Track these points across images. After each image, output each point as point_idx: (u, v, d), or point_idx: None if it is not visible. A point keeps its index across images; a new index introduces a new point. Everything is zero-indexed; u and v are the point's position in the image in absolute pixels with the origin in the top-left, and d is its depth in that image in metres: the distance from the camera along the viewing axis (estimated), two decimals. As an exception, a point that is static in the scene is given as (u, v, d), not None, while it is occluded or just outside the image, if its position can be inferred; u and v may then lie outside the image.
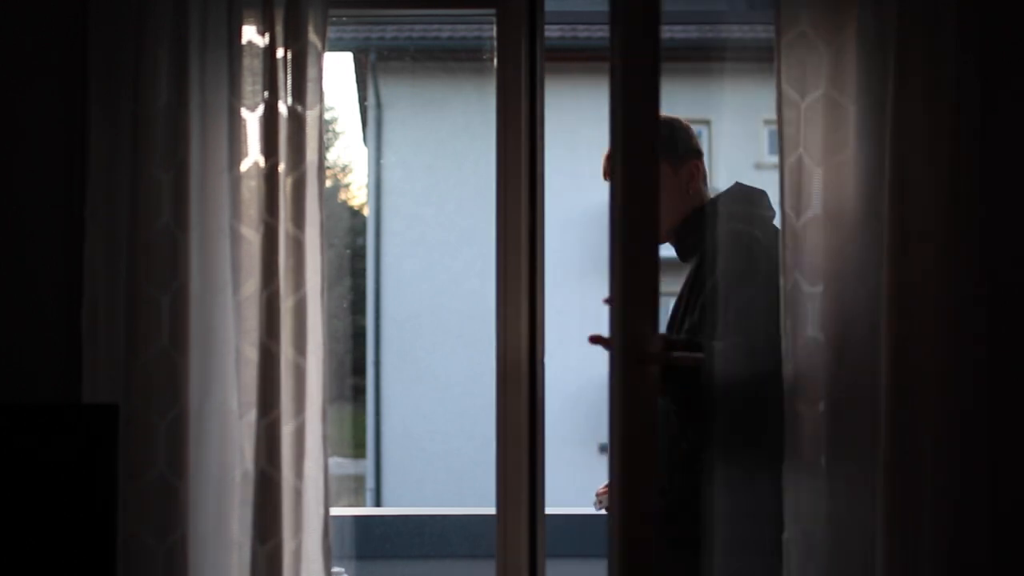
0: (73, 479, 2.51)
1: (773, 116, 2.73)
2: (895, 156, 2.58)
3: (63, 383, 2.71)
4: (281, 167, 2.69)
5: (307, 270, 2.70)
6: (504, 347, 2.84)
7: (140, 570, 2.62)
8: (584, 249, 9.06)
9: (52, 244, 2.76)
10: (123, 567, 2.59)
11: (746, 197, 2.81)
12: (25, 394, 2.72)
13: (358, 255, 9.78)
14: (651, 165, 2.38)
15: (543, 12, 2.87)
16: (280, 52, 2.70)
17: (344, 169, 10.95)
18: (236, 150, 2.72)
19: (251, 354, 2.69)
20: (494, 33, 2.88)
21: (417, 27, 9.61)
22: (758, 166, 8.84)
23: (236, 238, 2.71)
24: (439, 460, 9.13)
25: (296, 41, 2.69)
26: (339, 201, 10.52)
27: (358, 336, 9.47)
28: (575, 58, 9.35)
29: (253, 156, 2.73)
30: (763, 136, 9.25)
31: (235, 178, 2.72)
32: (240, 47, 2.72)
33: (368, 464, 9.44)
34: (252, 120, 2.73)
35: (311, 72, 2.70)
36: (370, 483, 9.36)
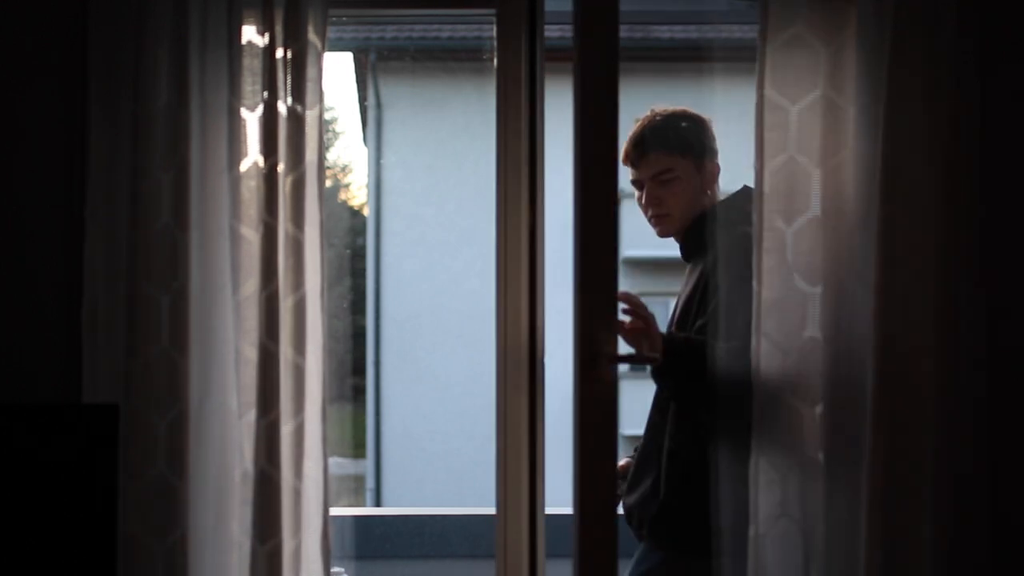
0: (73, 479, 2.51)
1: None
2: (887, 155, 2.58)
3: (63, 383, 2.71)
4: (281, 167, 2.69)
5: (307, 270, 2.70)
6: (504, 347, 2.84)
7: (140, 570, 2.62)
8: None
9: (52, 244, 2.76)
10: (123, 567, 2.59)
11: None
12: (25, 394, 2.72)
13: (358, 255, 9.78)
14: (610, 177, 2.52)
15: (543, 12, 2.87)
16: (280, 52, 2.70)
17: (344, 169, 10.95)
18: (236, 150, 2.72)
19: (251, 354, 2.69)
20: (494, 33, 2.88)
21: (417, 27, 9.60)
22: (758, 166, 8.79)
23: (236, 238, 2.71)
24: (439, 460, 9.13)
25: (296, 41, 2.69)
26: (339, 201, 10.52)
27: (358, 336, 9.47)
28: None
29: (253, 156, 2.73)
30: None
31: (235, 178, 2.72)
32: (240, 47, 2.72)
33: (368, 464, 9.44)
34: (252, 120, 2.73)
35: (311, 72, 2.70)
36: (370, 483, 9.36)
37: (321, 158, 2.72)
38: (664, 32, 9.55)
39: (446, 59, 9.61)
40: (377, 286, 9.67)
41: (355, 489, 9.59)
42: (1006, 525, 2.69)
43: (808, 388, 2.64)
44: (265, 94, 2.70)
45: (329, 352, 2.75)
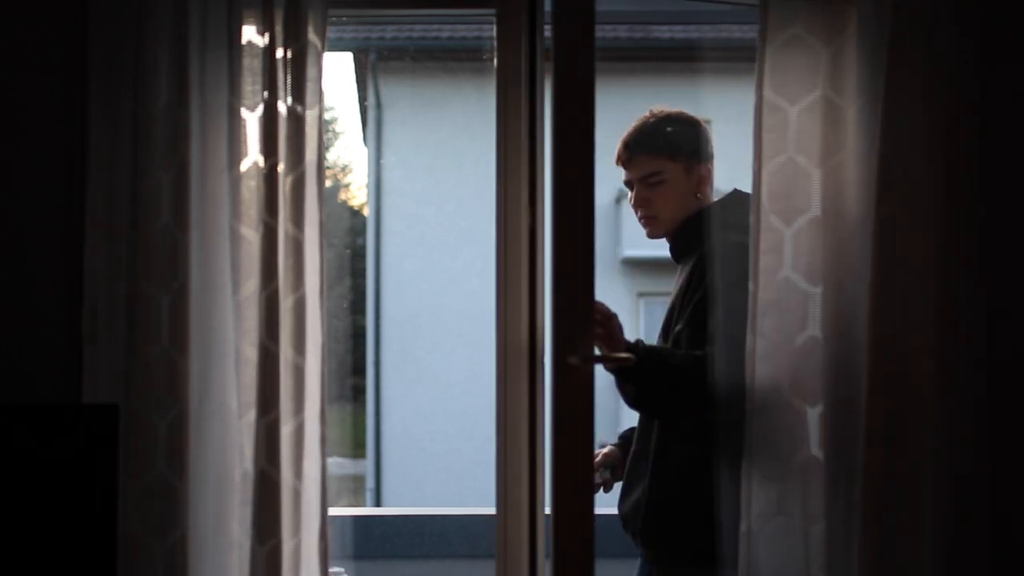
0: (73, 479, 2.51)
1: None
2: (886, 155, 2.58)
3: (63, 383, 2.71)
4: (281, 167, 2.69)
5: (306, 270, 2.70)
6: (504, 347, 2.84)
7: (140, 570, 2.62)
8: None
9: (52, 244, 2.76)
10: (123, 567, 2.59)
11: (745, 205, 2.81)
12: (25, 394, 2.72)
13: (358, 255, 9.79)
14: (587, 178, 2.52)
15: (543, 12, 2.87)
16: (280, 52, 2.70)
17: (344, 169, 10.96)
18: (236, 150, 2.72)
19: (251, 354, 2.69)
20: (494, 33, 2.88)
21: (417, 27, 9.60)
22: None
23: (236, 238, 2.71)
24: (439, 460, 9.13)
25: (296, 41, 2.69)
26: (339, 201, 10.52)
27: (358, 336, 9.48)
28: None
29: (253, 156, 2.73)
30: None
31: (235, 178, 2.72)
32: (240, 47, 2.72)
33: (368, 464, 9.45)
34: (252, 120, 2.73)
35: (311, 72, 2.70)
36: (370, 483, 9.37)
37: (321, 158, 2.72)
38: (664, 32, 9.55)
39: (446, 59, 9.62)
40: (377, 286, 9.68)
41: (355, 489, 9.60)
42: (1006, 525, 2.69)
43: (808, 388, 2.64)
44: (265, 94, 2.70)
45: (329, 352, 2.74)
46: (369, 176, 10.00)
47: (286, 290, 2.69)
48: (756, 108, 2.67)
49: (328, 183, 2.96)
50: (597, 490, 2.92)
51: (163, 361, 2.64)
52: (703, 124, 2.90)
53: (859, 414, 2.59)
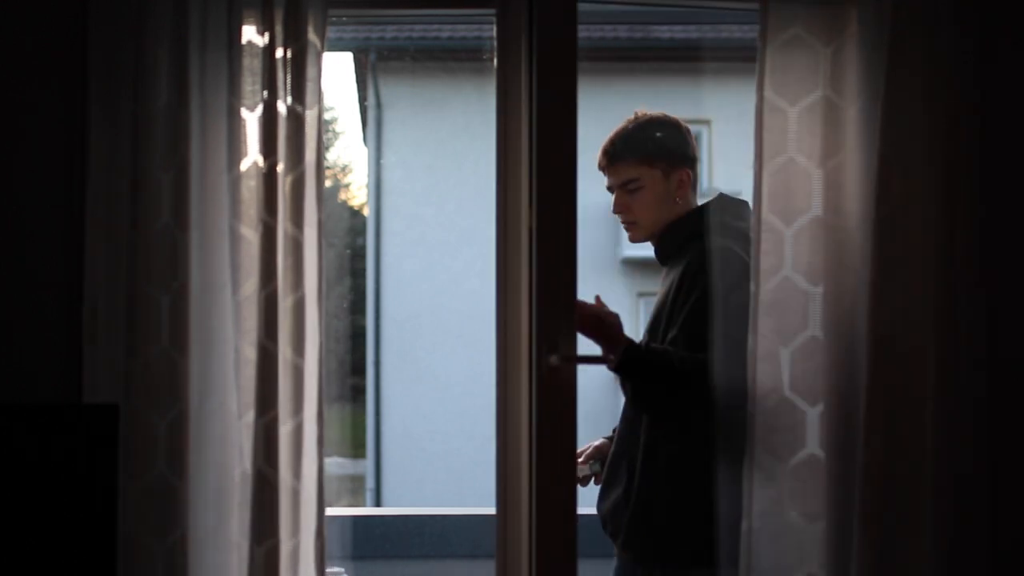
0: (73, 479, 2.51)
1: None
2: (886, 155, 2.58)
3: (63, 383, 2.71)
4: (280, 167, 2.69)
5: (305, 270, 2.70)
6: (504, 347, 2.83)
7: (140, 570, 2.62)
8: (583, 249, 9.04)
9: (52, 244, 2.76)
10: (123, 567, 2.59)
11: (729, 209, 2.82)
12: (25, 394, 2.72)
13: (358, 255, 9.78)
14: (570, 171, 2.60)
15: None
16: (280, 52, 2.70)
17: (344, 169, 10.95)
18: (236, 150, 2.72)
19: (250, 354, 2.69)
20: (494, 33, 2.88)
21: (417, 27, 9.60)
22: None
23: (236, 238, 2.71)
24: (439, 460, 9.12)
25: (296, 41, 2.69)
26: (339, 201, 10.52)
27: (358, 336, 9.47)
28: (574, 58, 9.33)
29: (252, 156, 2.73)
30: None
31: (235, 178, 2.72)
32: (240, 47, 2.72)
33: (368, 464, 9.44)
34: (252, 120, 2.73)
35: (310, 72, 2.70)
36: (370, 483, 9.36)
37: (320, 158, 2.72)
38: (664, 32, 9.54)
39: (446, 59, 9.61)
40: (377, 286, 9.67)
41: (355, 489, 9.59)
42: (1006, 525, 2.69)
43: (808, 387, 2.64)
44: (265, 94, 2.70)
45: (329, 352, 2.74)
46: (369, 176, 9.99)
47: (285, 290, 2.69)
48: (756, 108, 2.67)
49: (328, 183, 2.96)
50: (587, 483, 2.92)
51: (163, 361, 2.64)
52: (685, 127, 2.89)
53: (859, 414, 2.60)
